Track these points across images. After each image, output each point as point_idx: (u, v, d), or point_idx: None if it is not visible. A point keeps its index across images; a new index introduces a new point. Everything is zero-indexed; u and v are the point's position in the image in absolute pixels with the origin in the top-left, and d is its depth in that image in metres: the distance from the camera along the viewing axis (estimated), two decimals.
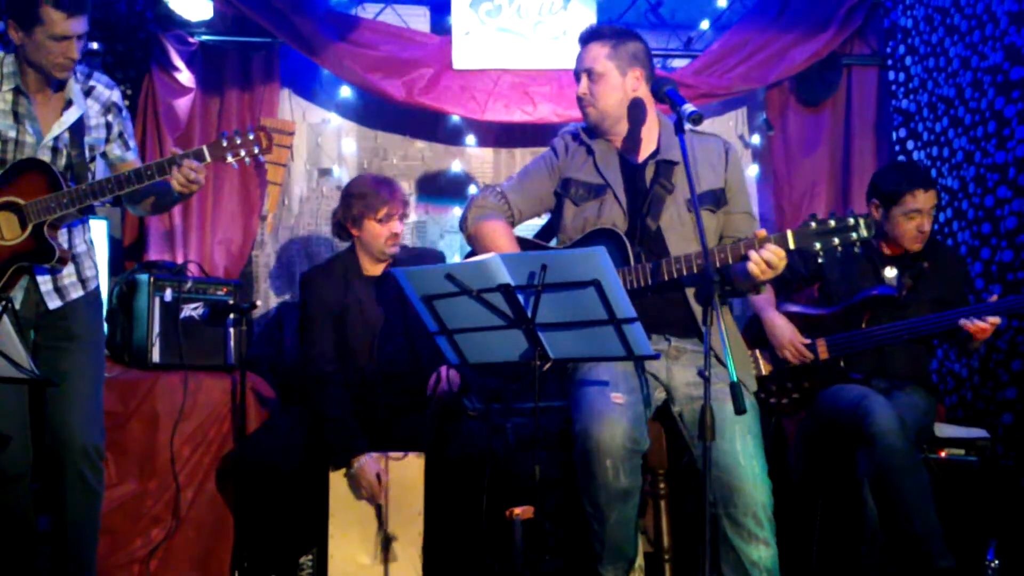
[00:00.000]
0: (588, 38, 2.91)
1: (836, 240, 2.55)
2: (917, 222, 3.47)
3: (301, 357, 3.50)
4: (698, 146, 2.91)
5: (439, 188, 4.58)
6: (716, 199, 2.89)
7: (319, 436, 3.30)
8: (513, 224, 3.03)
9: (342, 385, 3.38)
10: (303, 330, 3.49)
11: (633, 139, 2.92)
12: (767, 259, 2.55)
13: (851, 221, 2.55)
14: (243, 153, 2.87)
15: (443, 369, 3.42)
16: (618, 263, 2.79)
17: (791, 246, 2.58)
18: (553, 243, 3.13)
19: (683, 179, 2.80)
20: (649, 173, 2.89)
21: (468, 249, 3.11)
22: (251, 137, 2.87)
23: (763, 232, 2.59)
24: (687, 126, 2.61)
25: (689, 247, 2.78)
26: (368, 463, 3.22)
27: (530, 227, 3.32)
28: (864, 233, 2.54)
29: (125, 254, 4.24)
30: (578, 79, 2.91)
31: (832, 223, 2.56)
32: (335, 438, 3.26)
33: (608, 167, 2.91)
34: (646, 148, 2.92)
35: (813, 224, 2.57)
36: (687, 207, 2.83)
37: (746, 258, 2.59)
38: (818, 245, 2.56)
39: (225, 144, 2.86)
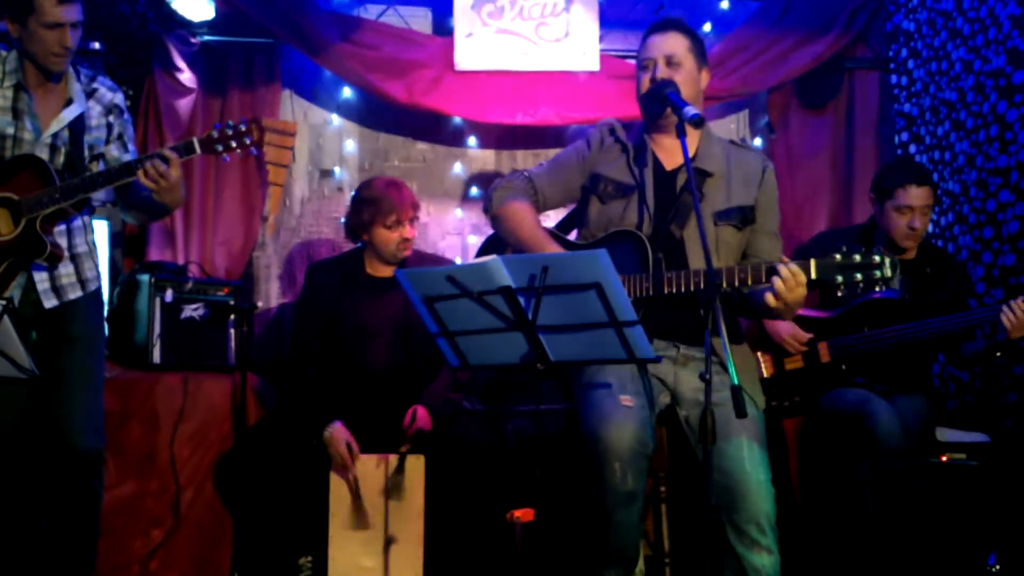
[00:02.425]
0: (667, 27, 2.86)
1: (859, 276, 2.46)
2: (908, 218, 3.47)
3: (288, 341, 3.53)
4: (735, 159, 2.88)
5: (440, 190, 4.58)
6: (744, 216, 2.85)
7: (290, 413, 3.35)
8: (538, 211, 2.99)
9: (317, 371, 3.43)
10: (296, 317, 3.54)
11: (672, 142, 2.85)
12: (785, 277, 2.49)
13: (876, 259, 2.45)
14: (234, 145, 2.86)
15: (419, 408, 3.37)
16: (636, 267, 2.77)
17: (812, 275, 2.50)
18: (573, 236, 3.10)
19: (714, 190, 2.79)
20: (681, 180, 2.84)
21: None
22: (243, 129, 2.86)
23: (788, 260, 2.54)
24: (691, 131, 2.59)
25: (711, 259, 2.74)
26: (337, 430, 3.24)
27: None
28: (888, 273, 2.44)
29: (126, 254, 4.24)
30: (643, 67, 2.83)
31: (857, 258, 2.47)
32: (304, 411, 3.31)
33: (641, 168, 2.86)
34: (682, 154, 2.85)
35: (838, 256, 2.48)
36: (713, 219, 2.80)
37: (769, 277, 2.52)
38: (840, 279, 2.47)
39: (216, 136, 2.85)
